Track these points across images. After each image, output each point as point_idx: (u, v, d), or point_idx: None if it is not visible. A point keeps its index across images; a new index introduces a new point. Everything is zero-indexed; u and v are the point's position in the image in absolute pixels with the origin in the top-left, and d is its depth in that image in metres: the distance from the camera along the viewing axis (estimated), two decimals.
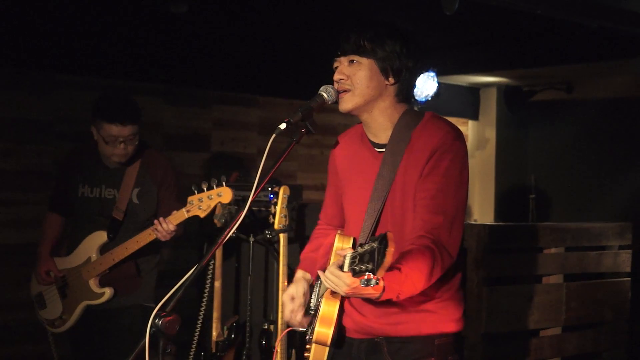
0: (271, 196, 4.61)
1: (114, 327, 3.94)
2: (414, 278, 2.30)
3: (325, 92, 2.55)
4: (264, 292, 5.21)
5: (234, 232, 2.42)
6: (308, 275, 2.81)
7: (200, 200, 3.66)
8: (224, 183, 3.62)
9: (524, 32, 5.92)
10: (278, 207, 4.57)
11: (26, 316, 4.10)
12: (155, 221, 3.75)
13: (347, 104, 2.56)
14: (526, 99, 8.21)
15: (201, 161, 6.27)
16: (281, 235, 4.59)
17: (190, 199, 3.70)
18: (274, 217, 4.58)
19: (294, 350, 4.79)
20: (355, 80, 2.53)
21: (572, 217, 7.64)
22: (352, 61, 2.54)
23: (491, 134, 8.39)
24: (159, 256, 4.17)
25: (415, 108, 2.68)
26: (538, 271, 5.00)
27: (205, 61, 6.12)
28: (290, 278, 4.68)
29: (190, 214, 3.71)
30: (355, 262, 2.10)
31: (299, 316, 2.70)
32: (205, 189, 3.66)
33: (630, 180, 7.57)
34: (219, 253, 4.89)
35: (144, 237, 3.81)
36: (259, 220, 4.98)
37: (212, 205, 3.66)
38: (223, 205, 4.56)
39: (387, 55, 2.51)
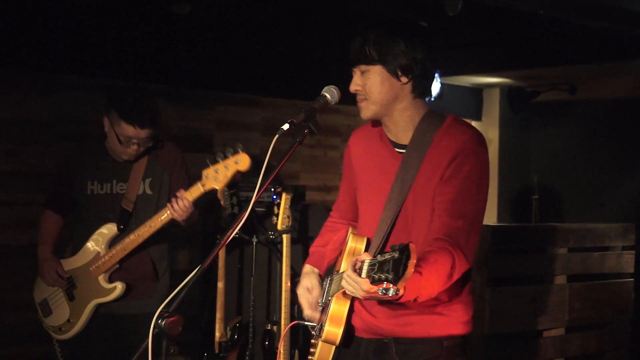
0: (274, 197, 4.61)
1: (131, 336, 3.75)
2: (433, 281, 2.30)
3: (328, 93, 2.55)
4: (267, 293, 5.21)
5: (236, 233, 2.41)
6: (316, 270, 2.84)
7: (216, 171, 3.47)
8: (239, 150, 3.39)
9: (527, 33, 5.91)
10: (281, 208, 4.57)
11: (30, 317, 4.02)
12: (172, 199, 3.61)
13: (365, 112, 2.57)
14: (529, 100, 8.20)
15: (204, 162, 6.27)
16: (284, 236, 4.60)
17: (205, 172, 3.52)
18: (277, 218, 4.59)
19: (297, 351, 4.79)
20: (367, 89, 2.53)
21: (575, 218, 7.63)
22: (363, 71, 2.54)
23: (494, 134, 8.40)
24: (168, 257, 4.04)
25: None
26: (541, 272, 5.00)
27: (208, 62, 6.12)
28: (293, 279, 4.70)
29: (207, 188, 3.54)
30: (374, 269, 2.09)
31: (318, 309, 2.73)
32: (220, 160, 3.46)
33: (634, 181, 7.57)
34: (221, 254, 4.89)
35: (157, 221, 3.67)
36: (262, 221, 4.99)
37: (230, 175, 3.44)
38: (225, 197, 4.53)
39: (393, 57, 2.49)
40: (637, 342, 5.51)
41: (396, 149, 2.60)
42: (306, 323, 2.77)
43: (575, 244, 5.12)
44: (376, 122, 2.69)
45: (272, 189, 4.63)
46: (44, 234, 3.93)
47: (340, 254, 2.78)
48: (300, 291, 2.78)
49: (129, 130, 3.64)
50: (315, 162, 6.93)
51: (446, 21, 4.82)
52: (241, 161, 3.41)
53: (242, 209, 2.40)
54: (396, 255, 2.03)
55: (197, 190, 3.58)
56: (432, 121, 2.56)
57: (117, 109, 3.65)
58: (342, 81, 2.65)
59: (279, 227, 4.60)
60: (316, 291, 2.76)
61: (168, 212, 3.65)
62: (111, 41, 5.52)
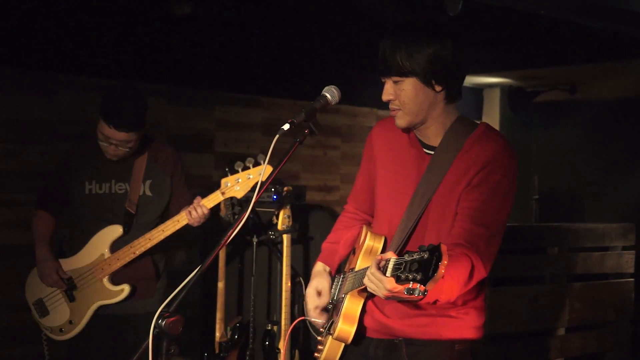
0: (275, 197, 4.61)
1: (130, 336, 3.78)
2: (453, 286, 2.30)
3: (328, 93, 2.53)
4: (267, 293, 5.21)
5: (237, 233, 2.41)
6: (328, 269, 2.81)
7: (237, 180, 3.55)
8: (262, 162, 3.44)
9: (527, 33, 5.91)
10: (281, 208, 4.57)
11: (29, 317, 4.02)
12: (191, 206, 3.64)
13: (400, 122, 2.54)
14: (530, 100, 8.20)
15: (204, 162, 6.27)
16: (284, 236, 4.60)
17: (224, 180, 3.59)
18: (277, 218, 4.59)
19: (297, 351, 4.79)
20: (402, 100, 2.50)
21: (575, 218, 7.63)
22: (395, 81, 2.50)
23: None
24: (166, 257, 4.04)
25: None
26: (541, 272, 5.00)
27: (209, 62, 6.12)
28: (293, 279, 4.71)
29: (226, 196, 3.60)
30: (400, 268, 2.08)
31: (322, 315, 2.71)
32: (240, 169, 3.55)
33: (634, 181, 7.56)
34: (222, 254, 4.89)
35: (171, 225, 3.69)
36: (263, 221, 4.99)
37: (252, 185, 3.51)
38: (226, 206, 4.55)
39: (427, 67, 2.44)
40: (637, 342, 5.51)
41: (424, 149, 2.58)
42: (313, 319, 2.76)
43: (576, 243, 5.12)
44: None
45: (273, 189, 4.63)
46: (39, 234, 3.89)
47: (353, 251, 2.76)
48: (309, 292, 2.76)
49: (105, 129, 3.62)
50: (315, 162, 6.92)
51: (446, 21, 4.81)
52: (266, 172, 3.49)
53: (243, 209, 2.40)
54: (425, 255, 2.01)
55: (216, 199, 3.64)
56: (463, 126, 2.56)
57: (100, 106, 3.65)
58: (343, 81, 2.65)
59: (279, 227, 4.60)
60: (325, 297, 2.74)
61: (183, 217, 3.67)
62: (111, 41, 5.52)
